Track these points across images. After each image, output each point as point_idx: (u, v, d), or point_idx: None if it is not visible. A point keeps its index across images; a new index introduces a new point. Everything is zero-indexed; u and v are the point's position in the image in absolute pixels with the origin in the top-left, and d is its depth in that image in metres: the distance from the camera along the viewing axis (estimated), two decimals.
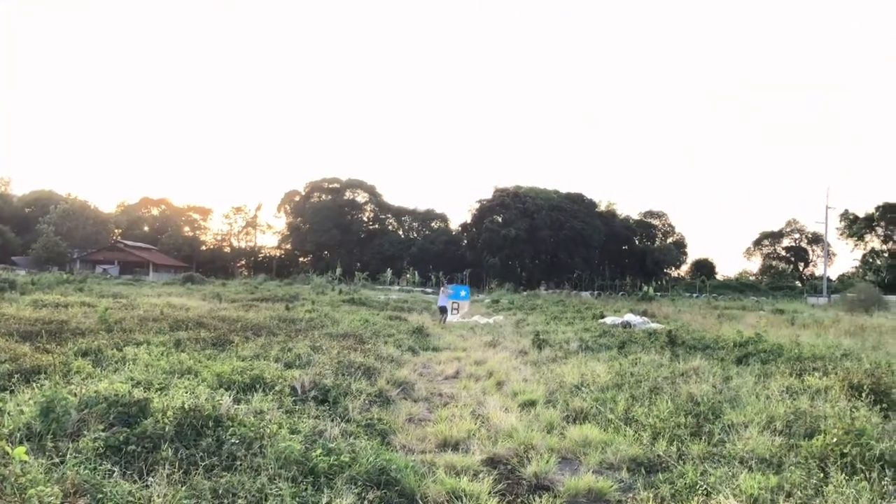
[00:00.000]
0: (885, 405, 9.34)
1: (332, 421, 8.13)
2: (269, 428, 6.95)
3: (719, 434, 8.33)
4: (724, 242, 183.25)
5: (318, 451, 6.50)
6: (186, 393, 8.04)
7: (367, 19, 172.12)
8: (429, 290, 65.92)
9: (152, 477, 5.70)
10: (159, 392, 8.21)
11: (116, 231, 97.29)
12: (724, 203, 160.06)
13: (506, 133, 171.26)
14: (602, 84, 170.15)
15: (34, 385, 8.65)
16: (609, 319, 26.28)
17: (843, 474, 6.34)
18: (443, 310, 29.23)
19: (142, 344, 13.03)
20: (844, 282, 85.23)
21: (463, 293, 32.60)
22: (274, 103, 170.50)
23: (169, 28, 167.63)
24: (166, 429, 6.49)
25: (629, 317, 26.88)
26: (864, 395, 9.71)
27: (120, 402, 6.96)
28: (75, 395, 7.16)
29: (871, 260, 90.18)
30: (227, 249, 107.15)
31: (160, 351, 12.21)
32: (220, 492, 5.59)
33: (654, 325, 24.26)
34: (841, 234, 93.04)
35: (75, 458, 5.81)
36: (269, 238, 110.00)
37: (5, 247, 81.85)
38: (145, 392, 7.67)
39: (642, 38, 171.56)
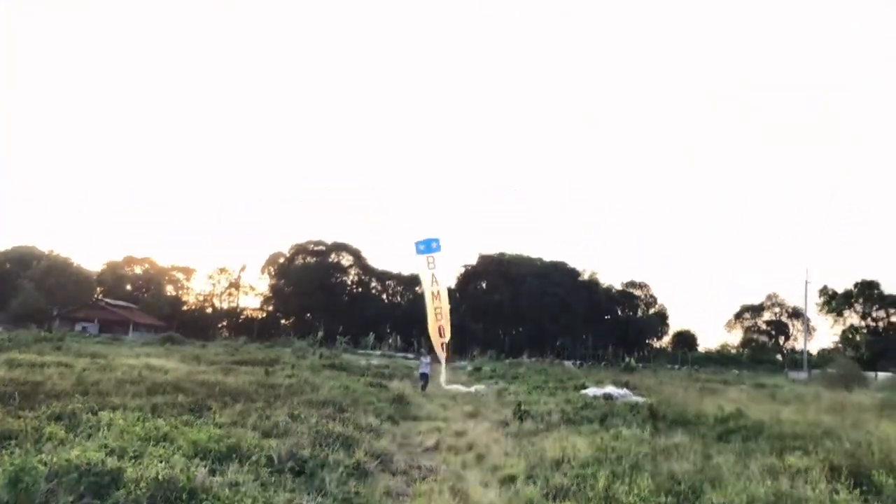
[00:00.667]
0: (864, 488, 9.32)
1: (309, 494, 8.01)
2: (244, 503, 6.83)
3: None
4: (705, 314, 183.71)
5: None
6: (161, 462, 7.91)
7: (347, 75, 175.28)
8: (410, 355, 65.47)
9: None
10: (133, 461, 8.06)
11: (98, 289, 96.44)
12: (705, 274, 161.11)
13: (490, 199, 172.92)
14: (581, 154, 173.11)
15: (4, 452, 8.47)
16: (591, 391, 26.17)
17: None
18: (423, 377, 29.00)
19: (118, 408, 12.83)
20: (825, 357, 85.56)
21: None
22: (261, 164, 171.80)
23: (152, 87, 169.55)
24: (139, 501, 6.37)
25: (611, 388, 26.80)
26: (844, 477, 9.69)
27: (92, 471, 6.84)
28: (45, 463, 7.03)
29: (850, 336, 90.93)
30: (209, 310, 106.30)
31: (136, 416, 12.03)
32: None
33: (636, 398, 24.18)
34: (820, 310, 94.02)
35: None
36: (252, 299, 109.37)
37: None
38: (119, 461, 7.54)
39: (619, 102, 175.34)
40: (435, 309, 30.43)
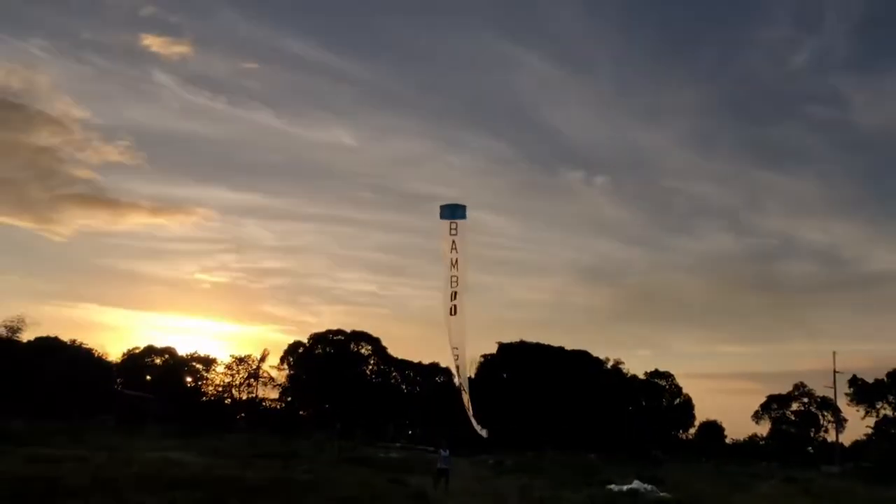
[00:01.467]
0: None
1: None
2: None
3: None
4: (731, 405, 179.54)
5: None
6: None
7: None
8: (431, 448, 64.28)
9: None
10: None
11: (118, 380, 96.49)
12: (731, 363, 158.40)
13: (511, 286, 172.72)
14: (604, 244, 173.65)
15: None
16: (616, 486, 25.50)
17: None
18: (441, 472, 28.35)
19: None
20: (858, 449, 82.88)
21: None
22: (285, 253, 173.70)
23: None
24: None
25: (636, 484, 26.08)
26: None
27: None
28: None
29: (884, 428, 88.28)
30: (228, 401, 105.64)
31: None
32: None
33: (662, 494, 23.50)
34: (851, 400, 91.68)
35: None
36: (271, 390, 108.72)
37: (4, 394, 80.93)
38: None
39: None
40: (451, 277, 30.22)
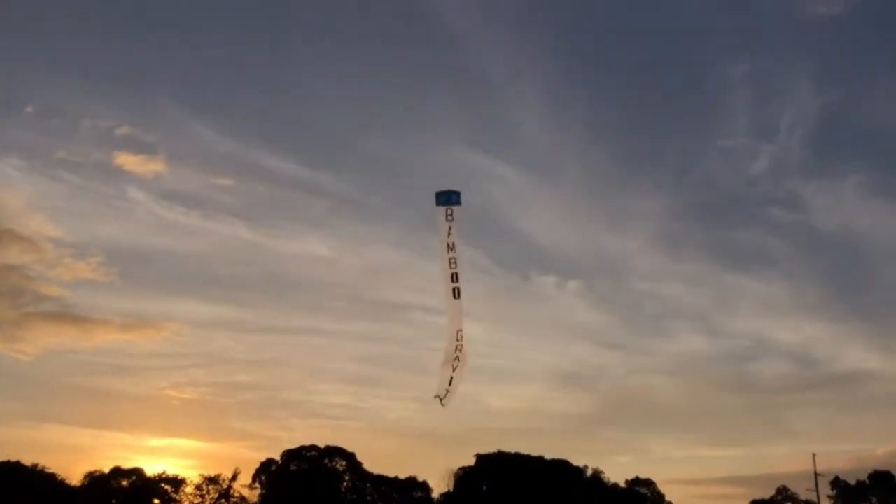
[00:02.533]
0: None
1: None
2: None
3: None
4: None
5: None
6: None
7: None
8: None
9: None
10: None
11: None
12: (713, 467, 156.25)
13: (487, 394, 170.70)
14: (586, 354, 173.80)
15: None
16: None
17: None
18: None
19: None
20: None
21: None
22: (257, 366, 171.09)
23: None
24: None
25: None
26: None
27: None
28: None
29: None
30: None
31: None
32: None
33: None
34: (835, 503, 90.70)
35: None
36: None
37: None
38: None
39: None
40: (450, 259, 29.54)
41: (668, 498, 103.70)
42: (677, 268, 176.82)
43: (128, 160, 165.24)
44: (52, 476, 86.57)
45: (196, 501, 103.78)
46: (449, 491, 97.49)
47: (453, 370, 28.73)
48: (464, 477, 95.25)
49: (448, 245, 29.18)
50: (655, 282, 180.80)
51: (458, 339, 28.82)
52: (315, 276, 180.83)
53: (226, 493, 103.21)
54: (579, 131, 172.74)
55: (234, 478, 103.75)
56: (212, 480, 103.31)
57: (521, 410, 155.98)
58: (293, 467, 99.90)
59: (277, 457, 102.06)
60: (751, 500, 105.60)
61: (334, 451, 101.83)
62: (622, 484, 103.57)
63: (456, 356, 28.52)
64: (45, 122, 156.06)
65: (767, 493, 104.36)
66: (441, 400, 28.51)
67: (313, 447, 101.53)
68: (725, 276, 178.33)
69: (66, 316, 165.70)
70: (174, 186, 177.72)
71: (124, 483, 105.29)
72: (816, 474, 79.35)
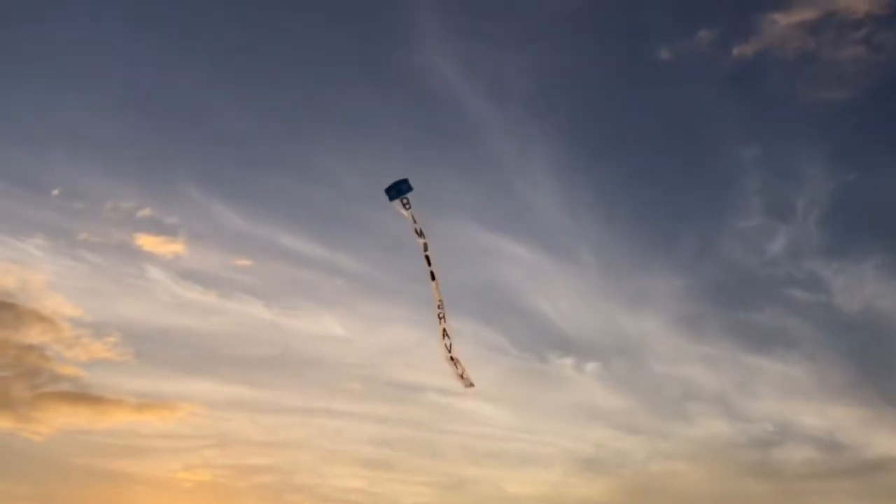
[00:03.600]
0: None
1: None
2: None
3: None
4: None
5: None
6: None
7: None
8: None
9: None
10: None
11: None
12: None
13: (504, 480, 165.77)
14: None
15: None
16: None
17: None
18: None
19: None
20: None
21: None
22: (271, 447, 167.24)
23: None
24: None
25: None
26: None
27: None
28: None
29: None
30: None
31: None
32: None
33: None
34: None
35: None
36: None
37: None
38: None
39: None
40: (423, 243, 28.55)
41: None
42: (697, 349, 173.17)
43: (148, 241, 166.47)
44: None
45: None
46: None
47: (448, 344, 28.48)
48: None
49: (417, 231, 28.99)
50: (675, 364, 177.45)
51: (439, 308, 28.85)
52: (330, 356, 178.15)
53: None
54: (593, 211, 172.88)
55: None
56: None
57: (541, 497, 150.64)
58: None
59: None
60: None
61: None
62: None
63: (445, 334, 28.32)
64: (69, 204, 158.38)
65: None
66: (467, 382, 28.17)
67: None
68: (746, 357, 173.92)
69: (80, 396, 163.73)
70: (193, 266, 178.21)
71: None
72: None
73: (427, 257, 29.08)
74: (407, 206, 29.10)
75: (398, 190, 28.77)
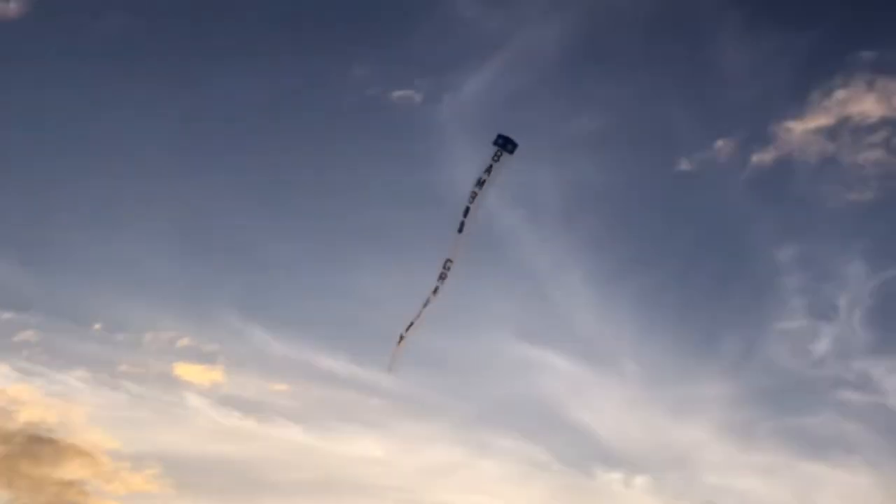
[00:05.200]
0: None
1: None
2: None
3: None
4: None
5: None
6: None
7: None
8: None
9: None
10: None
11: None
12: None
13: None
14: None
15: None
16: None
17: None
18: None
19: None
20: None
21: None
22: None
23: None
24: None
25: None
26: None
27: None
28: None
29: None
30: None
31: None
32: None
33: None
34: None
35: None
36: None
37: None
38: None
39: None
40: (473, 192, 27.63)
41: None
42: (749, 458, 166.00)
43: (187, 370, 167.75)
44: None
45: None
46: None
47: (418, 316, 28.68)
48: None
49: (479, 181, 28.68)
50: (728, 474, 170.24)
51: (444, 268, 28.68)
52: (370, 479, 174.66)
53: None
54: (632, 320, 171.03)
55: None
56: None
57: None
58: None
59: None
60: None
61: None
62: None
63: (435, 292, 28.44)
64: (111, 337, 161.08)
65: None
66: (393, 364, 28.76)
67: None
68: (802, 465, 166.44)
69: None
70: (232, 392, 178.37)
71: None
72: None
73: (468, 208, 28.89)
74: (496, 159, 29.30)
75: (505, 144, 29.49)
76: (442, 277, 28.52)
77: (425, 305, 28.82)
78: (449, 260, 28.47)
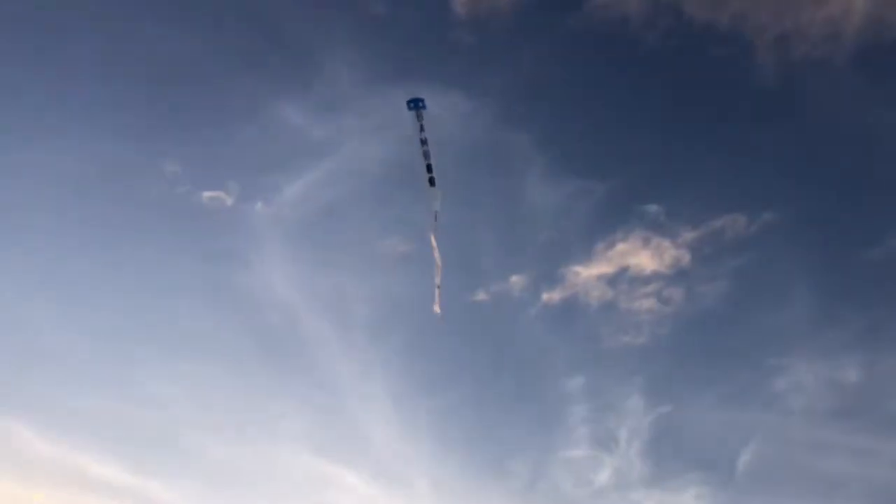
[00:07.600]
0: None
1: None
2: None
3: None
4: None
5: None
6: None
7: None
8: None
9: None
10: None
11: None
12: None
13: None
14: None
15: None
16: None
17: None
18: None
19: None
20: None
21: None
22: None
23: None
24: None
25: None
26: None
27: None
28: None
29: None
30: None
31: None
32: None
33: None
34: None
35: None
36: None
37: None
38: None
39: None
40: (424, 151, 32.07)
41: None
42: None
43: None
44: None
45: None
46: None
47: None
48: None
49: (421, 140, 31.31)
50: None
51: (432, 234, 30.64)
52: None
53: None
54: (428, 439, 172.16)
55: None
56: None
57: None
58: None
59: None
60: None
61: None
62: None
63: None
64: None
65: None
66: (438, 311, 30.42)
67: None
68: None
69: None
70: None
71: None
72: None
73: (428, 165, 30.82)
74: (420, 119, 30.48)
75: (416, 104, 31.45)
76: (434, 230, 30.95)
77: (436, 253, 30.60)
78: (436, 212, 30.76)
